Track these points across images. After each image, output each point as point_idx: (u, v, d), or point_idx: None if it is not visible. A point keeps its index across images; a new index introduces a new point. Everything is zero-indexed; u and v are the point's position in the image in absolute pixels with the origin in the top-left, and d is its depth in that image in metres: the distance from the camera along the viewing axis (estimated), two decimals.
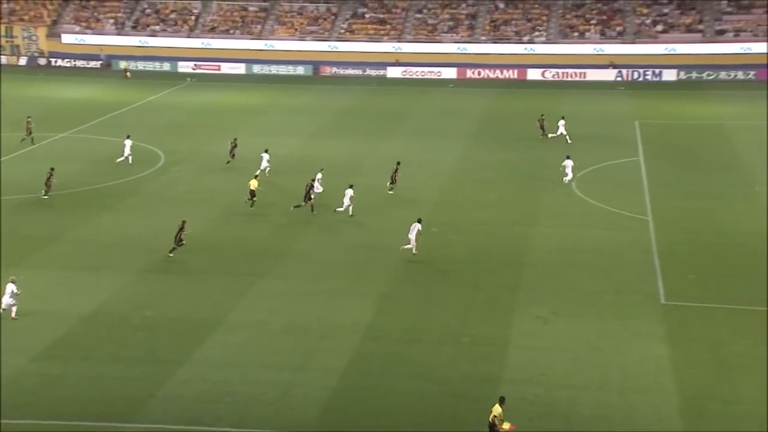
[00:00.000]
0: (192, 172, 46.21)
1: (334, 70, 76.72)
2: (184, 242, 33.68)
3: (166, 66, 78.35)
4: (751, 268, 32.20)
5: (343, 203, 38.47)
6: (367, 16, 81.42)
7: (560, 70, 72.84)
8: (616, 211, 38.80)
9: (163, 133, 54.24)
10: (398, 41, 78.22)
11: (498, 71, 73.92)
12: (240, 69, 77.53)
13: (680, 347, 26.24)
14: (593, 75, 72.19)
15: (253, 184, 39.79)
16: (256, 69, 77.41)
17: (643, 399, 23.58)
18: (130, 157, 46.56)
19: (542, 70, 73.30)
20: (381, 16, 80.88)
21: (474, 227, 37.47)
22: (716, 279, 31.38)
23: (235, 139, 47.61)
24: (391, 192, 41.63)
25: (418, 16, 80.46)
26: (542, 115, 52.76)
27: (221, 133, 54.57)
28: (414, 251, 33.71)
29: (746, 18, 73.97)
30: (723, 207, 39.03)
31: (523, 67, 73.71)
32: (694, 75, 70.44)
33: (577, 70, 72.61)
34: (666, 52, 72.59)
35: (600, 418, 21.58)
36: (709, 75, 70.06)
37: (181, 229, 33.75)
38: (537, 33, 76.88)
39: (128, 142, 46.90)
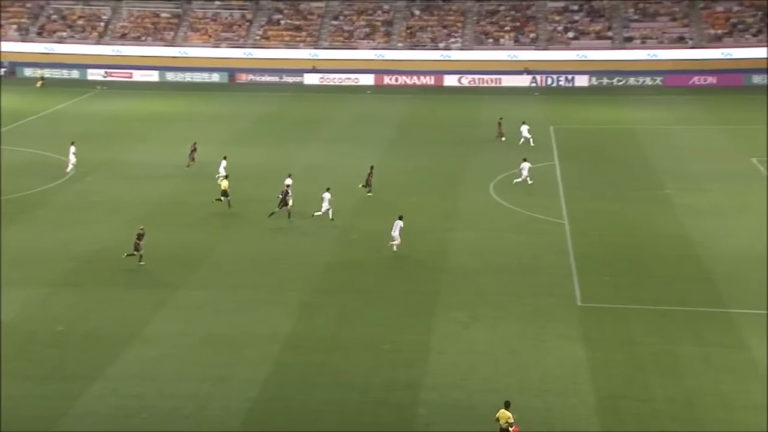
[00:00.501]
0: (105, 182, 45.03)
1: (250, 77, 76.03)
2: (141, 251, 33.22)
3: (75, 73, 76.17)
4: (662, 269, 33.28)
5: (321, 207, 38.41)
6: (282, 22, 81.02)
7: (476, 76, 73.95)
8: (533, 215, 39.55)
9: (75, 142, 52.66)
10: (315, 48, 78.09)
11: (415, 77, 74.56)
12: (153, 76, 76.03)
13: (596, 348, 26.89)
14: (508, 81, 73.55)
15: (224, 184, 40.26)
16: (170, 76, 76.06)
17: (561, 400, 24.05)
18: (71, 165, 45.64)
19: (458, 76, 74.28)
20: (297, 22, 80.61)
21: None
22: (629, 280, 32.30)
23: (195, 143, 47.27)
24: (370, 195, 41.99)
25: (335, 22, 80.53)
26: (501, 118, 53.57)
27: (135, 142, 53.39)
28: (394, 249, 34.46)
29: (652, 25, 76.68)
30: (635, 209, 40.24)
31: (439, 73, 74.55)
32: (605, 81, 72.53)
33: (493, 76, 73.86)
34: (578, 59, 74.56)
35: (520, 422, 21.92)
36: (619, 81, 72.26)
37: (139, 236, 33.33)
38: (452, 39, 77.91)
39: (72, 149, 45.92)
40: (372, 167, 43.40)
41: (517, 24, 78.44)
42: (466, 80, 74.14)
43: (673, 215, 39.18)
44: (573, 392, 24.42)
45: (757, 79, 70.04)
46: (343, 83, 74.80)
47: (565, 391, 24.52)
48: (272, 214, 38.60)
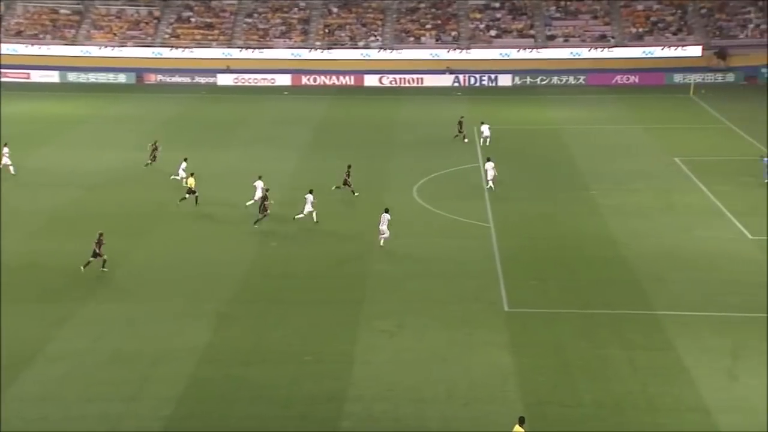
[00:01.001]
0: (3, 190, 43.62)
1: (160, 77, 74.81)
2: (104, 256, 33.02)
3: None
4: (588, 271, 34.12)
5: (303, 210, 38.46)
6: (193, 20, 79.99)
7: (397, 76, 74.47)
8: (458, 218, 40.03)
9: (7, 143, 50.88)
10: (228, 47, 77.39)
11: (334, 77, 74.64)
12: (53, 77, 74.06)
13: (524, 354, 27.37)
14: (430, 80, 74.31)
15: (191, 182, 41.04)
16: (72, 77, 74.22)
17: (489, 409, 24.39)
18: (10, 167, 44.75)
19: (379, 75, 74.67)
20: (208, 20, 79.71)
21: (315, 239, 37.56)
22: (556, 283, 33.00)
23: (155, 142, 47.09)
24: (357, 194, 42.21)
25: (248, 20, 79.94)
26: (462, 117, 53.86)
27: (35, 146, 51.85)
28: (381, 244, 35.64)
29: (573, 23, 78.67)
30: (561, 211, 41.15)
31: (359, 73, 74.79)
32: (528, 80, 74.00)
33: (414, 76, 74.51)
34: (500, 58, 75.89)
35: None
36: (542, 80, 73.85)
37: (99, 242, 32.97)
38: (372, 38, 78.31)
39: (6, 150, 45.15)
40: (349, 166, 43.32)
41: (438, 22, 79.37)
42: (387, 80, 74.57)
43: (599, 216, 40.23)
44: (500, 400, 24.81)
45: (678, 77, 72.58)
46: (258, 84, 74.31)
47: (492, 398, 24.88)
48: (257, 221, 38.29)
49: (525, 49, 76.29)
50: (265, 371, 26.37)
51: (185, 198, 41.01)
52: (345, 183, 42.84)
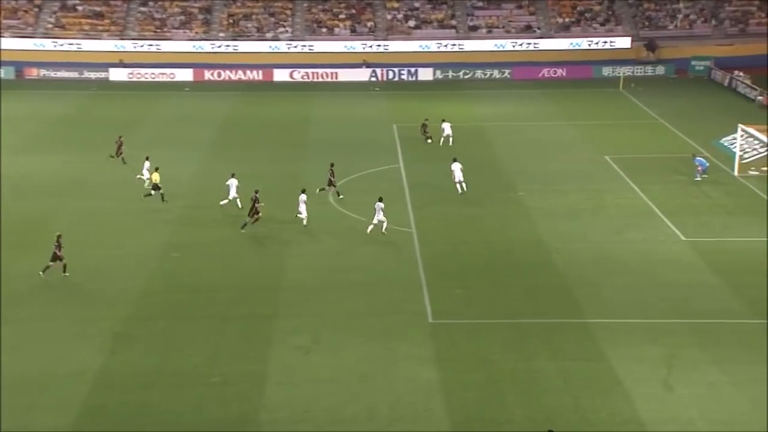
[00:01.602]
0: None
1: (43, 72, 72.90)
2: (64, 260, 33.42)
3: None
4: (517, 278, 34.68)
5: (299, 210, 38.88)
6: (79, 8, 78.21)
7: (310, 70, 74.33)
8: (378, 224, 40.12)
9: None
10: (121, 38, 75.98)
11: (240, 72, 74.01)
12: None
13: (450, 369, 27.62)
14: (346, 75, 74.37)
15: (155, 177, 42.06)
16: None
17: (413, 429, 24.56)
18: None
19: (290, 70, 74.38)
20: (97, 8, 78.08)
21: (221, 249, 37.21)
22: (483, 292, 33.44)
23: (120, 137, 48.09)
24: (342, 197, 42.61)
25: (143, 9, 78.66)
26: (426, 120, 53.61)
27: None
28: (383, 231, 37.70)
29: (497, 13, 79.90)
30: (487, 214, 41.72)
31: (268, 67, 74.36)
32: (450, 74, 74.78)
33: (328, 70, 74.49)
34: (420, 50, 76.52)
35: None
36: (465, 74, 74.76)
37: (58, 244, 33.21)
38: (281, 29, 77.99)
39: None
40: (332, 164, 43.49)
41: (353, 12, 79.57)
42: (298, 74, 74.33)
43: (528, 219, 40.93)
44: (425, 419, 24.97)
45: (607, 71, 74.43)
46: (156, 79, 73.15)
47: (417, 417, 25.03)
48: (244, 225, 38.53)
49: (446, 40, 77.13)
50: (167, 396, 25.97)
51: (150, 194, 41.82)
52: (330, 183, 42.93)
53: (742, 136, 48.26)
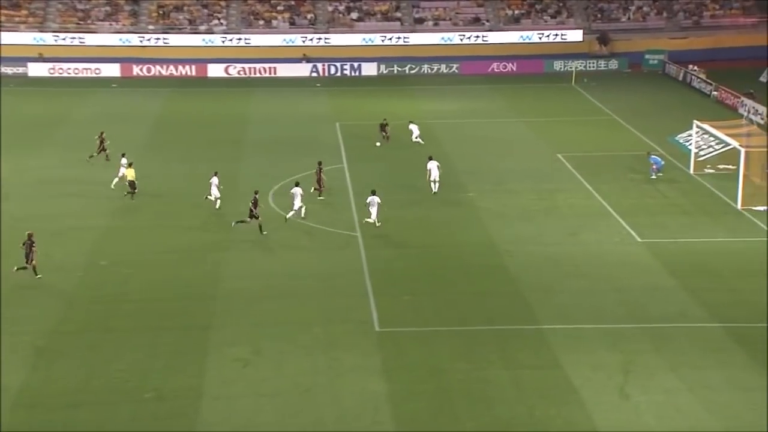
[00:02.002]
0: None
1: None
2: (35, 261, 33.86)
3: None
4: (468, 283, 34.87)
5: (293, 206, 39.53)
6: None
7: (246, 65, 74.00)
8: (321, 227, 40.11)
9: None
10: (40, 31, 74.78)
11: (172, 67, 73.39)
12: None
13: (398, 379, 27.68)
14: (285, 70, 74.21)
15: (130, 173, 43.10)
16: None
17: None
18: None
19: (225, 65, 73.98)
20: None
21: (153, 256, 36.89)
22: (432, 298, 33.56)
23: (102, 133, 48.74)
24: (321, 198, 43.12)
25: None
26: (385, 119, 53.12)
27: None
28: (377, 223, 38.98)
29: (443, 5, 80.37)
30: (436, 216, 41.88)
31: (201, 62, 73.88)
32: (395, 69, 75.03)
33: (266, 65, 74.23)
34: (364, 44, 76.62)
35: None
36: (411, 69, 75.04)
37: (31, 243, 33.74)
38: (216, 22, 77.48)
39: None
40: (320, 163, 44.06)
41: (292, 3, 79.39)
42: (234, 70, 73.97)
43: (478, 221, 41.20)
44: None
45: (559, 65, 75.35)
46: (80, 75, 72.24)
47: (364, 431, 24.98)
48: (240, 221, 39.14)
49: (391, 33, 77.29)
50: (96, 414, 25.63)
51: (130, 192, 42.86)
52: (318, 184, 43.40)
53: (697, 132, 49.17)
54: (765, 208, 41.83)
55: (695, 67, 70.66)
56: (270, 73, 74.15)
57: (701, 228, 40.37)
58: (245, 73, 73.93)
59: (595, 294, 33.76)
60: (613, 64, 76.12)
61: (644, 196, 44.41)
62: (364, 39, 76.87)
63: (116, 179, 44.38)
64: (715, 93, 64.79)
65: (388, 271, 35.86)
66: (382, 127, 53.34)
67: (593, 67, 75.64)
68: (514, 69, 75.47)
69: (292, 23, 78.26)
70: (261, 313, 32.12)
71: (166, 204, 43.18)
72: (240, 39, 76.16)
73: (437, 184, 44.34)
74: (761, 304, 32.72)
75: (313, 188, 43.47)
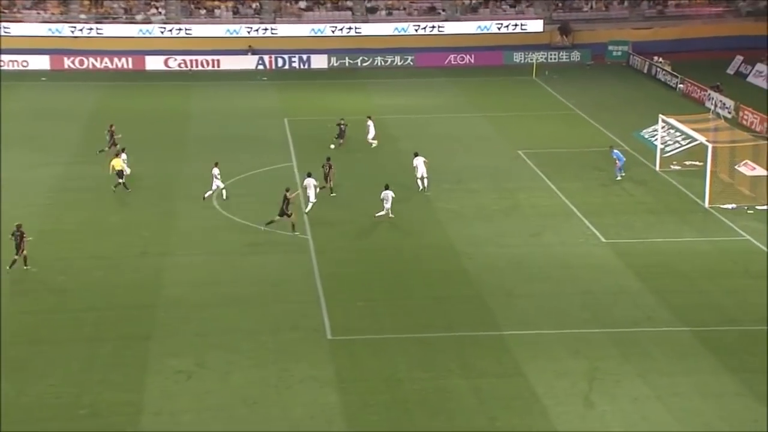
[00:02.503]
0: None
1: None
2: (24, 252, 35.14)
3: None
4: (425, 288, 34.98)
5: (307, 198, 41.35)
6: None
7: (187, 58, 73.57)
8: (269, 229, 40.00)
9: None
10: None
11: (106, 59, 72.73)
12: None
13: (352, 390, 27.70)
14: (229, 63, 73.90)
15: (117, 163, 44.14)
16: None
17: None
18: None
19: (164, 57, 73.49)
20: None
21: (89, 263, 36.58)
22: (387, 304, 33.61)
23: (112, 126, 49.55)
24: (333, 195, 43.79)
25: None
26: (342, 119, 52.42)
27: None
28: (391, 215, 40.81)
29: None
30: (393, 217, 41.92)
31: (139, 53, 73.33)
32: (347, 61, 75.05)
33: (209, 57, 73.84)
34: (313, 35, 76.53)
35: None
36: (364, 61, 75.11)
37: (21, 234, 34.94)
38: (154, 11, 76.87)
39: None
40: (329, 159, 44.61)
41: None
42: (174, 62, 73.52)
43: (436, 222, 41.36)
44: None
45: (519, 57, 75.89)
46: (5, 67, 71.26)
47: None
48: (269, 223, 39.44)
49: (341, 24, 77.27)
50: None
51: (119, 183, 44.04)
52: (326, 178, 43.96)
53: (663, 127, 49.83)
54: (733, 206, 42.50)
55: (660, 59, 71.64)
56: (213, 66, 73.77)
57: (668, 227, 40.92)
58: (186, 66, 73.48)
59: (559, 298, 34.06)
60: (576, 55, 76.86)
61: (609, 194, 44.89)
62: (313, 30, 76.75)
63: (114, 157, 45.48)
64: (681, 86, 65.73)
65: (340, 275, 35.85)
66: (340, 127, 52.56)
67: (554, 58, 76.31)
68: (472, 61, 75.87)
69: (236, 12, 77.91)
70: (205, 321, 31.95)
71: (101, 207, 42.74)
72: (180, 29, 75.64)
73: (426, 181, 44.78)
74: (730, 307, 33.27)
75: (321, 186, 43.53)
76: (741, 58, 71.77)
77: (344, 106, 61.38)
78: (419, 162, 45.04)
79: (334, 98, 65.29)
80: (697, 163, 47.17)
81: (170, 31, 75.41)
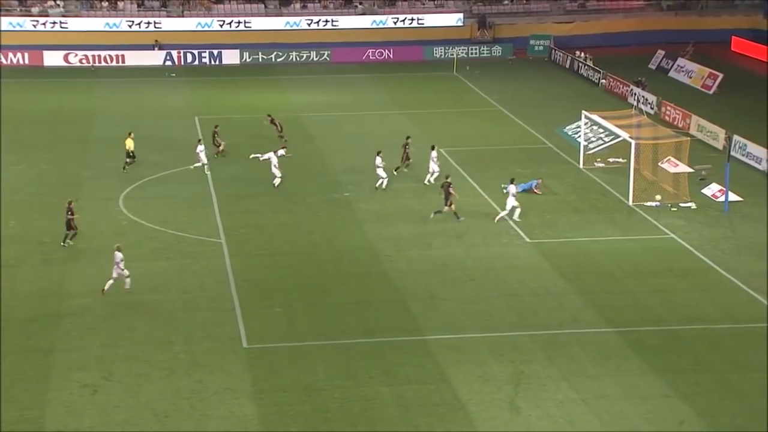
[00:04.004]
0: None
1: None
2: (76, 229, 37.67)
3: None
4: (345, 292, 35.05)
5: (378, 177, 45.02)
6: None
7: (89, 53, 72.55)
8: (180, 233, 39.70)
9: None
10: None
11: (0, 55, 71.20)
12: None
13: (269, 401, 27.61)
14: (134, 58, 73.08)
15: (129, 143, 47.16)
16: None
17: None
18: None
19: (64, 52, 72.36)
20: None
21: None
22: (305, 310, 33.60)
23: (216, 127, 50.95)
24: (406, 170, 47.22)
25: None
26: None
27: None
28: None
29: None
30: (308, 219, 41.94)
31: (36, 48, 72.07)
32: (260, 56, 74.74)
33: (112, 53, 72.92)
34: (223, 28, 75.99)
35: None
36: (278, 56, 74.87)
37: (71, 212, 37.38)
38: (51, 3, 75.53)
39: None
40: (408, 137, 47.99)
41: None
42: (75, 58, 72.47)
43: (356, 224, 41.44)
44: None
45: (439, 52, 76.42)
46: None
47: None
48: (438, 212, 41.44)
49: (253, 17, 76.90)
50: None
51: (128, 162, 47.04)
52: (406, 157, 47.33)
53: (586, 123, 50.66)
54: (657, 203, 43.42)
55: (582, 54, 72.80)
56: (117, 62, 72.84)
57: (592, 226, 41.62)
58: (88, 62, 72.37)
59: (483, 300, 34.40)
60: (497, 50, 77.65)
61: (532, 193, 45.41)
62: (222, 23, 76.20)
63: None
64: (604, 81, 66.90)
65: (256, 281, 35.71)
66: (271, 120, 52.40)
67: (475, 53, 77.00)
68: (391, 56, 76.18)
69: (141, 5, 76.97)
70: (112, 332, 31.57)
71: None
72: (79, 21, 74.40)
73: (432, 177, 45.96)
74: (654, 306, 33.99)
75: (397, 167, 46.62)
76: (662, 52, 73.37)
77: (259, 104, 61.13)
78: (433, 155, 46.33)
79: (247, 95, 64.96)
80: (620, 160, 48.07)
81: (69, 23, 74.03)
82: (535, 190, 45.01)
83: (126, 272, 33.86)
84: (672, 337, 31.77)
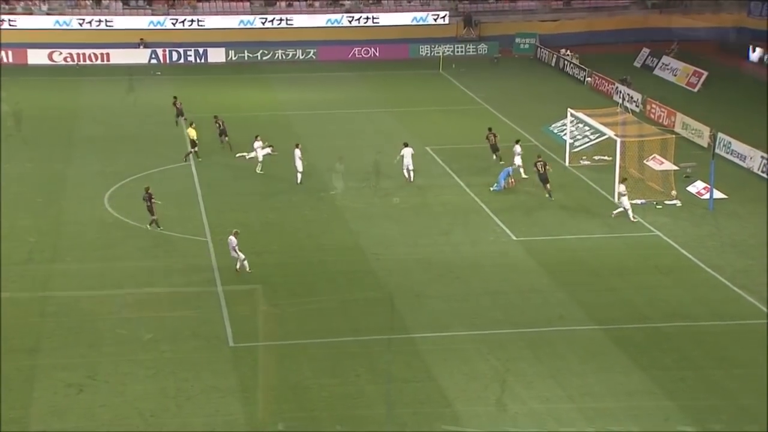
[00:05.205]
0: None
1: None
2: (155, 216, 39.10)
3: None
4: (331, 291, 35.02)
5: (513, 163, 46.14)
6: None
7: (74, 51, 72.43)
8: (166, 232, 39.64)
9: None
10: None
11: None
12: None
13: (256, 400, 27.53)
14: (119, 56, 73.00)
15: (192, 133, 48.27)
16: None
17: None
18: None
19: (48, 50, 72.18)
20: None
21: None
22: (293, 308, 33.52)
23: (222, 122, 50.69)
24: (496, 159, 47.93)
25: None
26: (216, 116, 51.32)
27: None
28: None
29: None
30: (296, 218, 41.92)
31: (20, 46, 71.90)
32: (246, 55, 74.66)
33: (98, 51, 72.81)
34: (209, 27, 75.89)
35: None
36: (264, 54, 74.81)
37: (150, 199, 38.76)
38: (36, 1, 75.24)
39: None
40: (490, 129, 49.52)
41: None
42: (59, 56, 72.26)
43: (342, 222, 41.45)
44: None
45: (425, 50, 76.51)
46: None
47: None
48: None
49: (240, 16, 76.82)
50: None
51: (190, 153, 48.36)
52: (496, 147, 48.90)
53: (571, 121, 50.77)
54: (642, 201, 43.52)
55: (568, 52, 72.97)
56: (103, 60, 72.73)
57: (578, 224, 41.71)
58: (73, 60, 72.18)
59: (470, 298, 34.44)
60: (483, 48, 77.76)
61: (518, 191, 45.53)
62: (208, 21, 76.10)
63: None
64: (589, 79, 67.09)
65: (243, 279, 35.65)
66: (221, 131, 51.71)
67: (461, 51, 77.11)
68: (377, 54, 76.20)
69: (126, 3, 76.77)
70: (97, 331, 31.46)
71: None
72: (65, 20, 74.18)
73: (413, 173, 45.96)
74: (640, 304, 34.09)
75: (496, 155, 48.38)
76: (647, 50, 73.60)
77: (244, 102, 61.08)
78: (407, 153, 45.97)
79: (233, 94, 64.90)
80: (606, 157, 48.16)
81: (55, 22, 73.85)
82: (511, 180, 45.44)
83: (241, 255, 35.29)
84: (657, 334, 31.88)
